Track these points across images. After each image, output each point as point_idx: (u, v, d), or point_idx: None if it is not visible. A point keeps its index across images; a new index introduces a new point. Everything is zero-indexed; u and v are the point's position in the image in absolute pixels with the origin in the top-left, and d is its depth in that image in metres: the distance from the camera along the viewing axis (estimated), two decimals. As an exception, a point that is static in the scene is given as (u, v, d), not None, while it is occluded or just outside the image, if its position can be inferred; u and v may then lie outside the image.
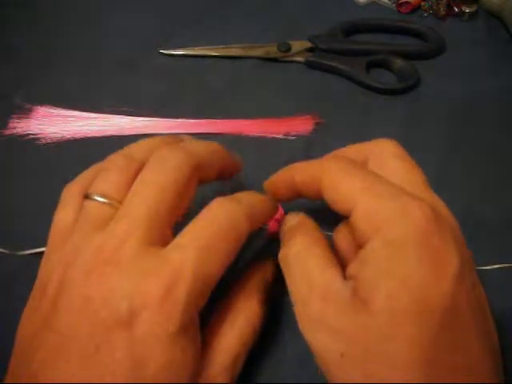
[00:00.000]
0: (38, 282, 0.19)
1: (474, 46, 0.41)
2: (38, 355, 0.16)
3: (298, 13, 0.45)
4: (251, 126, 0.34)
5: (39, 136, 0.33)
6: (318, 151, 0.26)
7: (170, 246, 0.18)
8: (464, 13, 0.43)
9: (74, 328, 0.16)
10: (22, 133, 0.33)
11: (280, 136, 0.33)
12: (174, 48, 0.40)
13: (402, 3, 0.44)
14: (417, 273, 0.16)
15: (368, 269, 0.16)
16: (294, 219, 0.21)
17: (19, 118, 0.34)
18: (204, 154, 0.21)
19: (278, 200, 0.23)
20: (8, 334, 0.18)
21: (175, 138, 0.24)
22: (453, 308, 0.15)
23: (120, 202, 0.19)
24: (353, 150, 0.22)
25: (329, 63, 0.38)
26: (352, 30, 0.42)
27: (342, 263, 0.19)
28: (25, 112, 0.35)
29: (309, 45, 0.40)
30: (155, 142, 0.22)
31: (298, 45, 0.40)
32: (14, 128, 0.34)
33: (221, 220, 0.18)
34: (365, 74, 0.37)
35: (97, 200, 0.19)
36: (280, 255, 0.20)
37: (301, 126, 0.34)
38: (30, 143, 0.33)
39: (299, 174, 0.21)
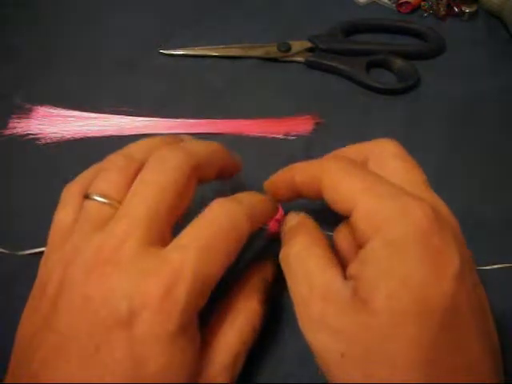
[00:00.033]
0: (37, 282, 0.19)
1: (474, 46, 0.41)
2: (38, 355, 0.16)
3: (298, 13, 0.45)
4: (251, 125, 0.34)
5: (39, 136, 0.33)
6: (318, 151, 0.26)
7: (170, 246, 0.18)
8: (464, 13, 0.44)
9: (73, 327, 0.16)
10: (22, 133, 0.33)
11: (280, 136, 0.33)
12: (174, 48, 0.40)
13: (401, 3, 0.44)
14: (417, 273, 0.16)
15: (368, 269, 0.16)
16: (294, 219, 0.21)
17: (19, 117, 0.34)
18: (204, 153, 0.21)
19: (277, 200, 0.23)
20: (8, 333, 0.18)
21: (175, 138, 0.24)
22: (453, 308, 0.15)
23: (120, 202, 0.19)
24: (353, 150, 0.22)
25: (329, 63, 0.38)
26: (352, 30, 0.42)
27: (342, 263, 0.19)
28: (25, 112, 0.35)
29: (309, 45, 0.40)
30: (155, 142, 0.22)
31: (297, 45, 0.40)
32: (14, 128, 0.34)
33: (221, 220, 0.18)
34: (365, 74, 0.37)
35: (96, 200, 0.19)
36: (281, 255, 0.20)
37: (301, 125, 0.34)
38: (30, 143, 0.33)
39: (299, 174, 0.21)
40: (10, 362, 0.18)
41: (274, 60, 0.39)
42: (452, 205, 0.19)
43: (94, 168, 0.21)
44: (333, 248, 0.20)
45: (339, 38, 0.40)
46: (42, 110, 0.35)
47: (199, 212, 0.19)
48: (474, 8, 0.43)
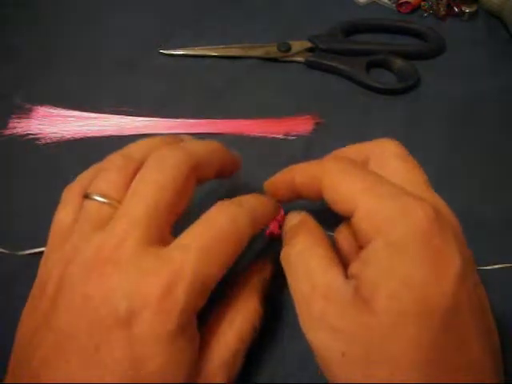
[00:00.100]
0: (37, 281, 0.19)
1: (474, 46, 0.41)
2: (38, 353, 0.17)
3: (298, 13, 0.45)
4: (251, 126, 0.34)
5: (39, 136, 0.33)
6: (318, 151, 0.26)
7: (170, 246, 0.18)
8: (464, 13, 0.44)
9: (73, 327, 0.16)
10: (22, 133, 0.33)
11: (280, 136, 0.33)
12: (174, 48, 0.40)
13: (402, 3, 0.44)
14: (418, 273, 0.15)
15: (369, 269, 0.16)
16: (295, 218, 0.21)
17: (19, 117, 0.34)
18: (203, 153, 0.21)
19: (277, 201, 0.23)
20: (8, 333, 0.18)
21: (175, 137, 0.24)
22: (454, 308, 0.15)
23: (119, 202, 0.19)
24: (353, 150, 0.22)
25: (329, 63, 0.38)
26: (352, 30, 0.42)
27: (343, 263, 0.19)
28: (25, 112, 0.35)
29: (309, 45, 0.40)
30: (154, 142, 0.22)
31: (297, 45, 0.40)
32: (14, 128, 0.34)
33: (222, 223, 0.18)
34: (365, 74, 0.37)
35: (96, 200, 0.19)
36: (282, 254, 0.20)
37: (301, 125, 0.34)
38: (30, 143, 0.33)
39: (299, 174, 0.21)
40: (10, 361, 0.18)
41: (274, 60, 0.39)
42: (452, 205, 0.19)
43: (93, 168, 0.22)
44: (334, 248, 0.20)
45: (339, 38, 0.40)
46: (42, 110, 0.35)
47: (199, 213, 0.19)
48: (474, 8, 0.43)
